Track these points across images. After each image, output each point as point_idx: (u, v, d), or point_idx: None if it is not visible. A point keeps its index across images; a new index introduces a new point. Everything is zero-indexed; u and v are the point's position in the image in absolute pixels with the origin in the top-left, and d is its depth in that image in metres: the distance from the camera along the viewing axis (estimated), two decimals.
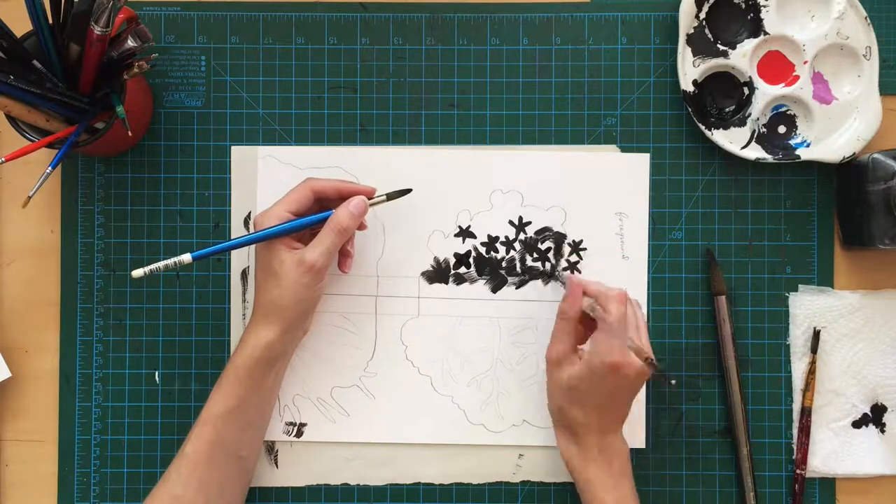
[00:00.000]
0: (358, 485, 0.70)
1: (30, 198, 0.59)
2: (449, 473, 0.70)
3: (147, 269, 0.60)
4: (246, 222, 0.70)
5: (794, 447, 0.69)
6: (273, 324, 0.62)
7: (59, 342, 0.70)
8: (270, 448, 0.69)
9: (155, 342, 0.70)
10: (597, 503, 0.63)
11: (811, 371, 0.69)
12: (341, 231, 0.62)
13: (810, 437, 0.69)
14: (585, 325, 0.66)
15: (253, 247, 0.69)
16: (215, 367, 0.69)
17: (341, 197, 0.64)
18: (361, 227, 0.66)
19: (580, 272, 0.70)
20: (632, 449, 0.67)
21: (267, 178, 0.70)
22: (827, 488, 0.70)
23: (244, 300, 0.70)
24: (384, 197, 0.65)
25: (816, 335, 0.69)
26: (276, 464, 0.69)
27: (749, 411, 0.69)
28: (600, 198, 0.70)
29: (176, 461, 0.62)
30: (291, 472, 0.69)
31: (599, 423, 0.64)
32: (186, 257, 0.61)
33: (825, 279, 0.70)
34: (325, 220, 0.63)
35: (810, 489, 0.69)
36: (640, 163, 0.70)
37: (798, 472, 0.69)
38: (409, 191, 0.66)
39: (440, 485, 0.69)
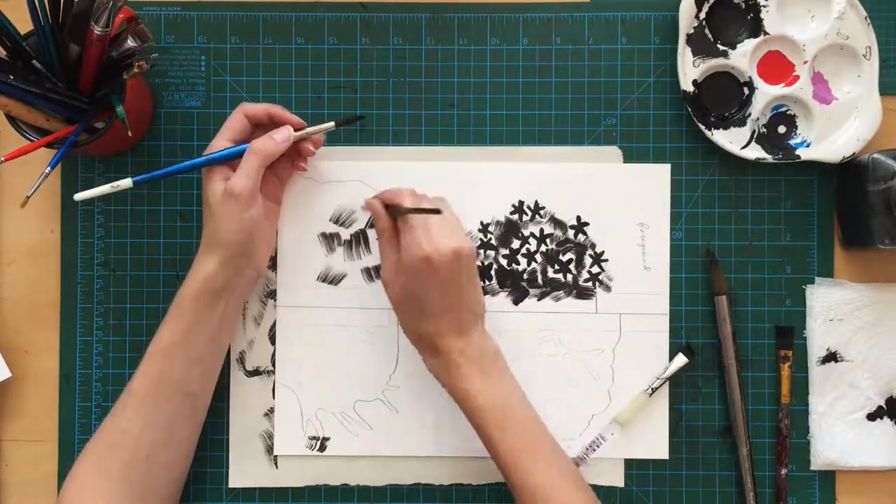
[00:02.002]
0: (358, 485, 0.70)
1: (28, 198, 0.59)
2: (449, 474, 0.69)
3: (88, 192, 0.60)
4: None
5: (810, 436, 0.69)
6: (213, 255, 0.62)
7: (59, 342, 0.70)
8: (270, 448, 0.69)
9: None
10: (475, 412, 0.61)
11: (788, 366, 0.69)
12: (259, 153, 0.62)
13: (822, 430, 0.69)
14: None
15: None
16: None
17: (272, 122, 0.65)
18: (300, 167, 0.67)
19: (602, 283, 0.70)
20: (653, 460, 0.69)
21: (288, 192, 0.70)
22: (827, 487, 0.70)
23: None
24: (317, 128, 0.66)
25: (789, 331, 0.69)
26: (275, 464, 0.69)
27: (749, 411, 0.69)
28: (622, 209, 0.70)
29: (122, 396, 0.63)
30: (291, 472, 0.69)
31: (450, 325, 0.61)
32: (126, 182, 0.62)
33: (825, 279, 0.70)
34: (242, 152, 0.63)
35: (810, 488, 0.69)
36: (662, 174, 0.70)
37: (782, 472, 0.69)
38: (361, 118, 0.68)
39: (440, 485, 0.69)
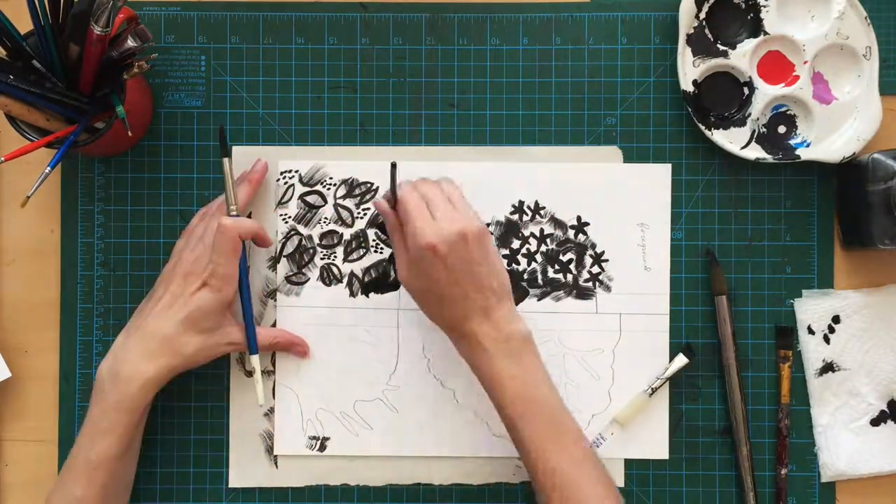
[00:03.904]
0: (358, 485, 0.70)
1: (28, 198, 0.59)
2: (449, 474, 0.69)
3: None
4: None
5: (817, 449, 0.69)
6: (168, 365, 0.63)
7: (59, 342, 0.70)
8: (270, 448, 0.69)
9: None
10: (501, 397, 0.60)
11: (788, 366, 0.69)
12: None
13: (828, 441, 0.69)
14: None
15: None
16: (215, 367, 0.69)
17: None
18: (265, 243, 0.67)
19: (602, 283, 0.70)
20: (653, 460, 0.69)
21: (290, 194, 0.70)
22: (827, 486, 0.69)
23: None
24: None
25: (789, 331, 0.69)
26: (275, 464, 0.69)
27: (749, 411, 0.69)
28: (622, 209, 0.70)
29: (61, 502, 0.61)
30: (291, 472, 0.69)
31: (473, 308, 0.60)
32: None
33: (825, 279, 0.70)
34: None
35: (810, 488, 0.69)
36: (662, 174, 0.70)
37: (782, 472, 0.69)
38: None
39: (440, 485, 0.69)
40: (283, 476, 0.69)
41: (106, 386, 0.62)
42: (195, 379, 0.69)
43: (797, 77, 0.69)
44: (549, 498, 0.59)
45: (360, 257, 0.70)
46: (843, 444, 0.69)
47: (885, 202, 0.64)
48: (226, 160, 0.65)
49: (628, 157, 0.70)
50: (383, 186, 0.70)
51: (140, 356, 0.62)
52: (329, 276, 0.70)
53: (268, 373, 0.70)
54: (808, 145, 0.69)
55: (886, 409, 0.69)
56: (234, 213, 0.65)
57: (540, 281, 0.70)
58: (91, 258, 0.70)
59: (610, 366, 0.70)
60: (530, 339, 0.62)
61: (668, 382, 0.69)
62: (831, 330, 0.69)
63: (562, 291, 0.70)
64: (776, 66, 0.69)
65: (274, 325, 0.70)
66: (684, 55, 0.68)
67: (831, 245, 0.70)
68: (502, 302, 0.61)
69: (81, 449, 0.61)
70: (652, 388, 0.68)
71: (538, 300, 0.70)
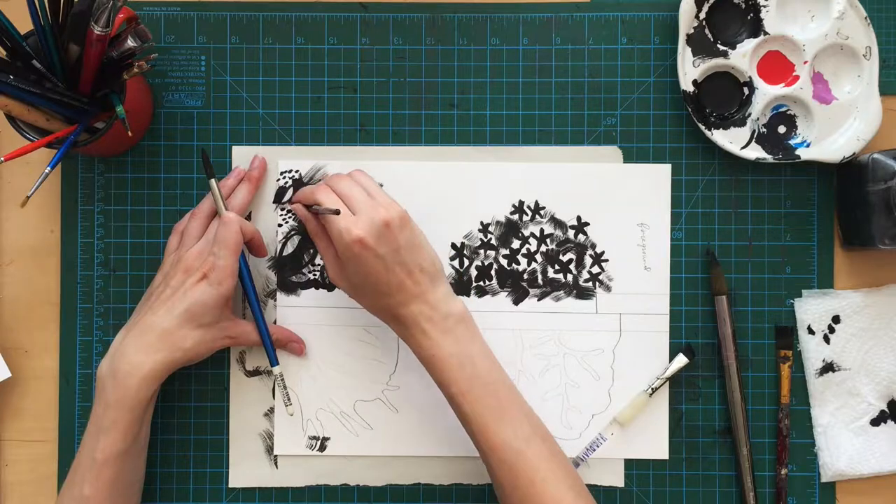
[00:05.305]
0: (358, 485, 0.70)
1: (28, 198, 0.59)
2: (449, 474, 0.69)
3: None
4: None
5: (817, 449, 0.69)
6: (169, 360, 0.62)
7: (59, 342, 0.70)
8: (270, 448, 0.69)
9: None
10: (442, 374, 0.60)
11: (788, 366, 0.69)
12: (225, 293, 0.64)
13: (828, 441, 0.69)
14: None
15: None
16: (215, 368, 0.69)
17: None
18: (260, 252, 0.68)
19: (602, 283, 0.70)
20: (653, 460, 0.68)
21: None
22: (827, 486, 0.69)
23: (244, 299, 0.69)
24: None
25: (789, 331, 0.69)
26: (275, 464, 0.69)
27: (749, 411, 0.69)
28: (622, 209, 0.70)
29: (70, 502, 0.61)
30: (291, 472, 0.69)
31: (407, 293, 0.61)
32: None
33: (825, 279, 0.70)
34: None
35: (810, 488, 0.69)
36: (662, 174, 0.70)
37: (782, 472, 0.69)
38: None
39: (440, 485, 0.69)
40: (283, 476, 0.69)
41: (106, 383, 0.61)
42: (195, 379, 0.70)
43: (797, 77, 0.69)
44: (498, 474, 0.59)
45: None
46: (843, 444, 0.69)
47: (885, 202, 0.64)
48: (213, 181, 0.66)
49: (628, 157, 0.70)
50: (384, 185, 0.70)
51: (138, 351, 0.62)
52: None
53: (268, 373, 0.70)
54: (808, 145, 0.69)
55: (886, 409, 0.69)
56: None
57: (540, 281, 0.70)
58: (91, 258, 0.70)
59: (610, 366, 0.70)
60: (467, 316, 0.62)
61: (668, 382, 0.69)
62: (831, 330, 0.69)
63: (562, 291, 0.70)
64: (776, 66, 0.69)
65: (273, 324, 0.70)
66: (684, 55, 0.68)
67: (831, 245, 0.70)
68: (436, 283, 0.62)
69: (86, 448, 0.61)
70: (652, 388, 0.68)
71: (538, 300, 0.70)
